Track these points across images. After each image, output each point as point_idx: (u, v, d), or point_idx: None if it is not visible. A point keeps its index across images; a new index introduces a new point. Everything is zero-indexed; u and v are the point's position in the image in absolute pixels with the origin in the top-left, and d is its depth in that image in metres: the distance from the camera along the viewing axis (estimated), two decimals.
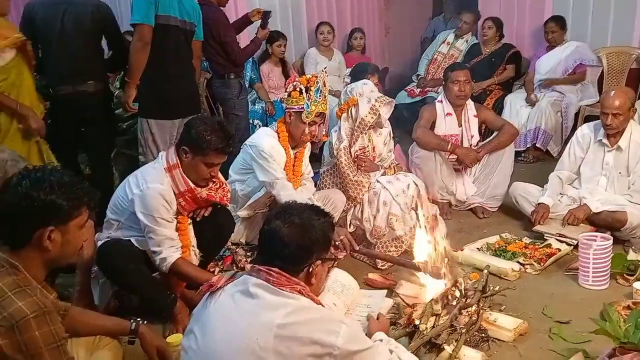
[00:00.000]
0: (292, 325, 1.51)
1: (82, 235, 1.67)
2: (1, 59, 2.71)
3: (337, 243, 2.71)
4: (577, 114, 4.86)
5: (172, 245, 2.47)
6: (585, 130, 3.42)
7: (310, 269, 1.62)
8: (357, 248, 3.02)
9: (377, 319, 2.20)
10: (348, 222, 3.27)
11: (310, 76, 3.00)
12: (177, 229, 2.54)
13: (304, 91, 2.90)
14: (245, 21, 4.27)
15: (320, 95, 2.93)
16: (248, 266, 2.81)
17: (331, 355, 1.53)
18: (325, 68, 3.36)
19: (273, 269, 1.58)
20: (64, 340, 1.55)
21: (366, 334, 1.95)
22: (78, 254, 1.74)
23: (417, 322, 2.24)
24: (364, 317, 2.36)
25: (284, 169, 3.00)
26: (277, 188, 2.90)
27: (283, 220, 1.61)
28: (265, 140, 2.96)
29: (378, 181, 3.25)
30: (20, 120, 2.83)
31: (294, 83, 2.95)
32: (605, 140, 3.26)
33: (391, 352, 1.78)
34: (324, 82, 2.97)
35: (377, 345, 1.72)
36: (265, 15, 4.24)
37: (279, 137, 3.00)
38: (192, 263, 2.56)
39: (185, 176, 2.47)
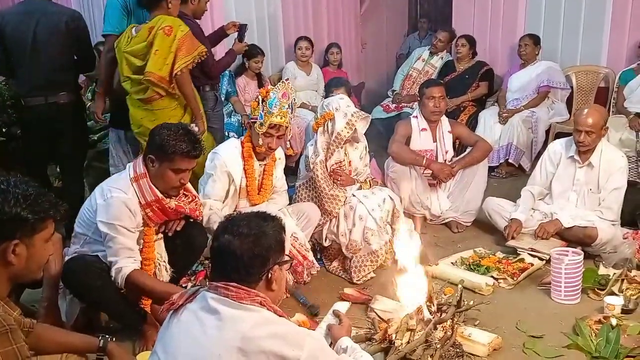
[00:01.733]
0: (256, 339, 1.49)
1: (48, 249, 1.61)
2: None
3: None
4: (547, 131, 4.97)
5: (130, 255, 2.38)
6: (556, 146, 3.48)
7: (269, 276, 1.58)
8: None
9: (340, 323, 2.09)
10: (324, 237, 3.26)
11: (272, 87, 2.94)
12: (142, 241, 2.47)
13: (260, 102, 2.87)
14: (221, 34, 4.26)
15: (275, 107, 2.84)
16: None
17: None
18: (287, 79, 3.30)
19: (230, 283, 1.54)
20: (27, 359, 1.49)
21: (330, 343, 1.93)
22: (43, 269, 1.66)
23: (392, 337, 2.23)
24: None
25: (247, 181, 2.97)
26: (204, 208, 2.80)
27: (232, 233, 1.56)
28: (224, 150, 2.94)
29: (354, 195, 3.25)
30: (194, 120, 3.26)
31: (256, 93, 2.94)
32: (576, 157, 3.32)
33: None
34: (284, 92, 2.88)
35: (342, 359, 1.69)
36: (242, 29, 4.22)
37: (242, 148, 2.97)
38: (149, 275, 2.46)
39: (152, 186, 2.41)
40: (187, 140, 2.36)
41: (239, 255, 1.54)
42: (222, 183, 2.89)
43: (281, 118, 2.87)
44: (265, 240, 1.57)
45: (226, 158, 2.90)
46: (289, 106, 2.91)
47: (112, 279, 2.37)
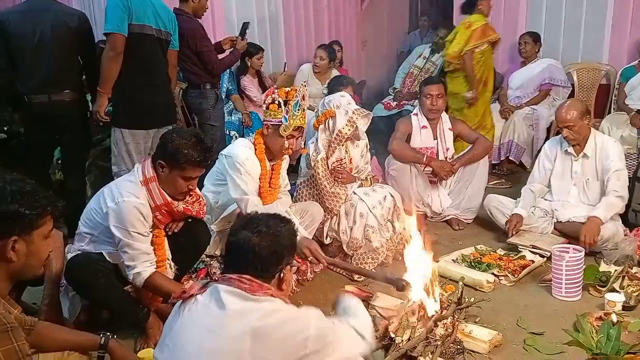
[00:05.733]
0: (267, 327, 1.56)
1: (47, 246, 1.61)
2: (482, 46, 4.53)
3: (309, 258, 2.69)
4: (548, 128, 4.96)
5: (147, 259, 2.40)
6: (551, 143, 3.52)
7: (282, 275, 1.68)
8: (326, 260, 2.84)
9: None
10: (325, 234, 3.26)
11: (290, 89, 2.95)
12: (153, 243, 2.48)
13: (282, 104, 2.86)
14: (217, 49, 4.25)
15: (298, 110, 2.88)
16: None
17: (306, 347, 1.60)
18: (305, 82, 3.33)
19: (244, 276, 1.61)
20: (28, 357, 1.49)
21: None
22: (43, 266, 1.67)
23: (393, 334, 2.23)
24: None
25: (260, 182, 2.97)
26: (246, 206, 2.82)
27: (251, 231, 1.65)
28: (241, 151, 2.93)
29: (355, 193, 3.25)
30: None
31: (273, 95, 2.92)
32: (570, 150, 3.34)
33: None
34: (304, 95, 2.92)
35: (336, 325, 1.76)
36: (244, 26, 4.24)
37: (255, 149, 2.97)
38: (167, 276, 2.50)
39: (161, 190, 2.41)
40: (199, 149, 2.35)
41: (257, 251, 1.63)
42: (250, 181, 2.89)
43: (302, 120, 2.93)
44: (281, 240, 1.67)
45: (245, 160, 2.88)
46: (306, 107, 2.96)
47: (131, 280, 2.40)
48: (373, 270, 3.08)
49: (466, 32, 4.48)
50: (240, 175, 2.86)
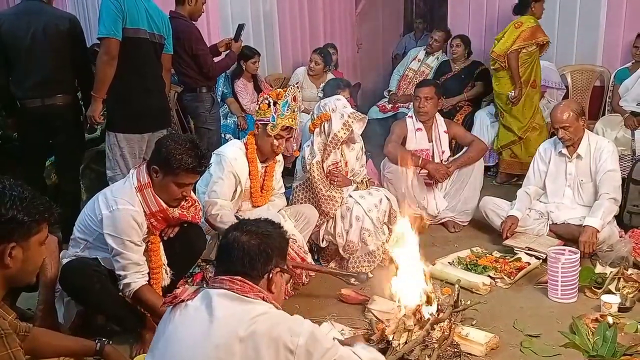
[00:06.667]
0: (257, 329, 1.55)
1: (43, 252, 1.61)
2: (530, 47, 4.51)
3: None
4: None
5: (138, 270, 2.37)
6: (545, 145, 3.54)
7: (270, 276, 1.68)
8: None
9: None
10: (321, 237, 3.26)
11: (282, 90, 2.98)
12: (148, 250, 2.46)
13: (272, 104, 2.89)
14: (214, 51, 4.25)
15: (287, 109, 2.90)
16: None
17: (293, 354, 1.55)
18: (297, 83, 3.35)
19: (236, 277, 1.63)
20: None
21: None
22: (39, 272, 1.66)
23: (390, 338, 2.23)
24: None
25: (250, 182, 2.97)
26: (212, 207, 2.81)
27: (241, 231, 1.69)
28: (230, 151, 2.94)
29: (351, 196, 3.25)
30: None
31: (265, 96, 2.95)
32: (564, 151, 3.37)
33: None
34: (294, 96, 2.94)
35: (337, 345, 1.69)
36: (239, 28, 4.23)
37: (246, 150, 2.97)
38: (157, 292, 2.45)
39: (156, 196, 2.38)
40: (194, 155, 2.32)
41: (245, 249, 1.65)
42: (230, 183, 2.89)
43: (292, 121, 2.94)
44: (270, 240, 1.69)
45: (232, 160, 2.89)
46: (297, 109, 2.98)
47: (120, 290, 2.38)
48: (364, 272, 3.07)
49: (515, 31, 4.47)
50: (221, 175, 2.87)
